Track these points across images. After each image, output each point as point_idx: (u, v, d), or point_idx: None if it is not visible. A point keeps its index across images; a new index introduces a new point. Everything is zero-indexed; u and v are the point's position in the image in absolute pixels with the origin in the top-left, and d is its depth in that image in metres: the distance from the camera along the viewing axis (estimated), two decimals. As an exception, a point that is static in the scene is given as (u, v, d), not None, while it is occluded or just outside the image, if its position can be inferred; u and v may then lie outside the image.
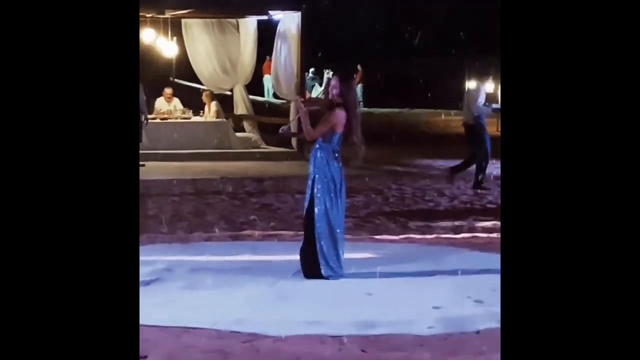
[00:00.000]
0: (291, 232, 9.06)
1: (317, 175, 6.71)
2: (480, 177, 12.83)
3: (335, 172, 6.72)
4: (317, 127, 6.72)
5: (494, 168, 15.81)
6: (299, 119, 6.96)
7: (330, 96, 6.78)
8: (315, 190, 6.70)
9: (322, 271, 6.66)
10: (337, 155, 6.73)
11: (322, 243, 6.66)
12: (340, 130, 6.69)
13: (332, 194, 6.70)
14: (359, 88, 33.94)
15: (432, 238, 8.92)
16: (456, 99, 31.07)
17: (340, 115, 6.64)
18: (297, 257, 6.90)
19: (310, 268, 6.69)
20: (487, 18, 26.27)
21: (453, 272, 7.07)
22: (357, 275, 6.75)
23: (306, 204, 6.78)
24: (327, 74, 24.67)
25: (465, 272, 7.08)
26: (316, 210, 6.68)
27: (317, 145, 6.77)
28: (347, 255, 6.86)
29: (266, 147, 18.10)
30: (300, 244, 6.90)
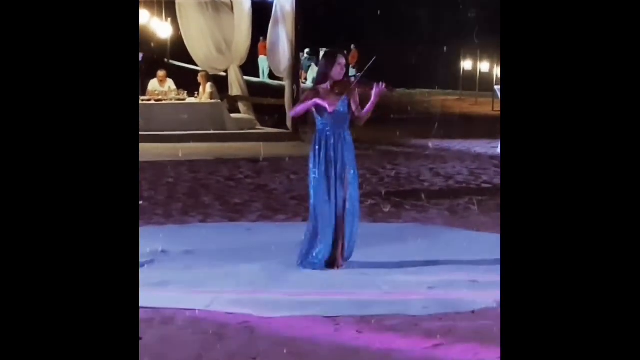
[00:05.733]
0: (286, 214, 9.07)
1: (349, 159, 6.52)
2: None
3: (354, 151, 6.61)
4: (362, 109, 6.49)
5: (489, 148, 15.84)
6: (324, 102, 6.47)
7: (338, 76, 6.47)
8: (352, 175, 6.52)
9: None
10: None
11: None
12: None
13: None
14: (352, 69, 33.92)
15: (426, 218, 8.91)
16: (452, 79, 31.16)
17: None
18: (293, 238, 6.88)
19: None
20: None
21: (448, 252, 7.07)
22: (352, 256, 6.73)
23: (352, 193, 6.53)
24: (322, 51, 24.56)
25: (461, 252, 7.09)
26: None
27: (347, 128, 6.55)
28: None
29: (261, 128, 18.07)
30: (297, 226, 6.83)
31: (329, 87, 6.47)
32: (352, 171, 6.49)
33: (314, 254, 6.49)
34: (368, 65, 6.68)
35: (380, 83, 6.42)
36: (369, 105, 6.47)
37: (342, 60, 6.53)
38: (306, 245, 6.54)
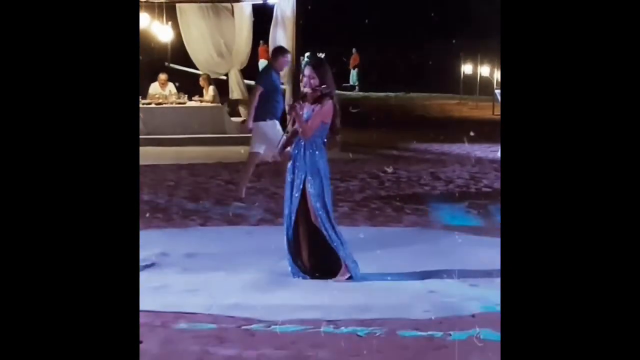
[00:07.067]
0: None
1: (315, 169, 6.34)
2: None
3: (322, 163, 6.40)
4: (311, 122, 6.29)
5: (490, 152, 15.83)
6: (293, 120, 6.49)
7: (308, 87, 6.35)
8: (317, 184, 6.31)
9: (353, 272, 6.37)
10: (323, 145, 6.43)
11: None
12: (329, 120, 6.37)
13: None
14: (354, 72, 33.98)
15: (427, 222, 8.91)
16: (452, 83, 31.17)
17: (329, 105, 6.33)
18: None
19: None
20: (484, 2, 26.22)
21: (448, 256, 7.07)
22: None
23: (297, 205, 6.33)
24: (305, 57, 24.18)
25: (461, 255, 7.08)
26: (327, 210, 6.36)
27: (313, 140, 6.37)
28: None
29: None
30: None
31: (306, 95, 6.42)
32: (318, 181, 6.30)
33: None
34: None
35: (297, 102, 6.37)
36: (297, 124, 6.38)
37: (306, 71, 6.41)
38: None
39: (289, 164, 6.45)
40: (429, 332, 5.09)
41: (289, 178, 6.42)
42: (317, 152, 6.36)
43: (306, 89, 6.41)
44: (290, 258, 6.41)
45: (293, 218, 6.37)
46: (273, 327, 5.18)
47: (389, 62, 34.73)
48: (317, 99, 6.35)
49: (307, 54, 26.45)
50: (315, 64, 6.50)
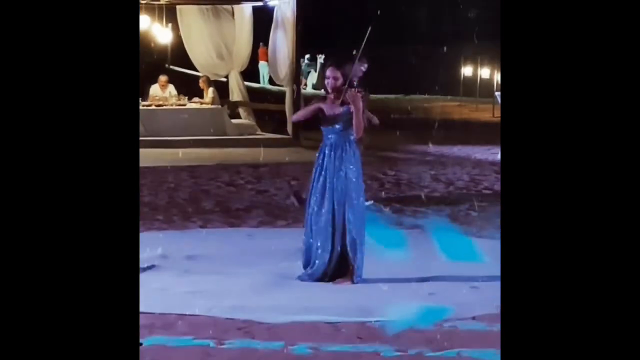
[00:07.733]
0: (287, 220, 9.07)
1: (350, 170, 6.23)
2: None
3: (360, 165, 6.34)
4: (360, 120, 6.12)
5: (490, 154, 15.84)
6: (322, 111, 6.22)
7: (332, 88, 6.20)
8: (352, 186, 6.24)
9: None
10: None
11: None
12: None
13: None
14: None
15: (427, 224, 8.91)
16: (452, 85, 31.18)
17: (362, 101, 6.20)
18: (293, 244, 6.86)
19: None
20: (484, 3, 26.23)
21: (448, 258, 7.06)
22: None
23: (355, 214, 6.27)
24: (320, 59, 24.25)
25: (461, 257, 7.07)
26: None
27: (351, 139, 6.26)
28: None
29: (262, 133, 18.09)
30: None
31: (332, 97, 6.24)
32: (353, 181, 6.23)
33: (309, 271, 6.34)
34: (360, 51, 6.28)
35: (352, 90, 6.13)
36: (354, 119, 6.15)
37: (329, 72, 6.25)
38: (302, 258, 6.42)
39: (317, 163, 6.29)
40: (429, 334, 5.09)
41: (319, 178, 6.26)
42: (354, 151, 6.27)
43: (330, 91, 6.22)
44: (310, 261, 6.31)
45: (339, 218, 6.25)
46: (273, 329, 5.16)
47: (389, 64, 34.71)
48: (355, 98, 6.15)
49: (307, 56, 26.50)
50: (337, 63, 6.28)
